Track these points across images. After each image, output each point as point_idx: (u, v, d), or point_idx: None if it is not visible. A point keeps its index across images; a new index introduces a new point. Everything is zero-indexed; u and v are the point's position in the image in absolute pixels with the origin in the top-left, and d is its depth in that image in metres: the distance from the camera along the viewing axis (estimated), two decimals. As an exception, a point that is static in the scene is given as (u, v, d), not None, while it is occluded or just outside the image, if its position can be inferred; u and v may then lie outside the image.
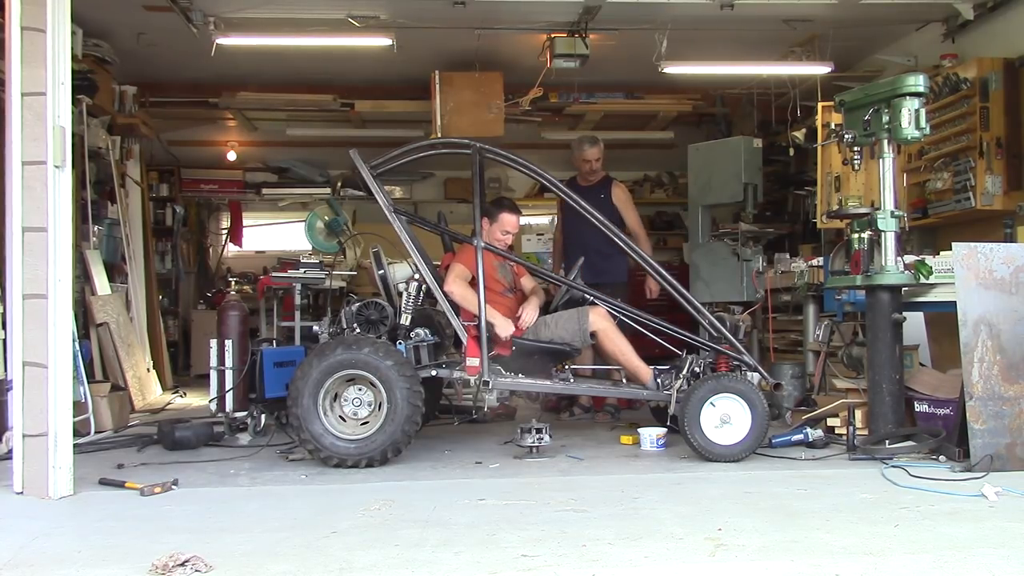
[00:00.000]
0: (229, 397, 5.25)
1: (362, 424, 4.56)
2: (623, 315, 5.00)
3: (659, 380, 4.89)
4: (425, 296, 4.86)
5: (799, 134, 8.07)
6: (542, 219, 10.70)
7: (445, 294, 4.77)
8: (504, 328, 4.80)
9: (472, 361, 4.66)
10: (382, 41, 6.91)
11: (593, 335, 4.96)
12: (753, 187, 6.93)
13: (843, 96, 4.96)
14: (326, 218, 7.71)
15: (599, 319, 4.96)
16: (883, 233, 4.66)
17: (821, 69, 7.46)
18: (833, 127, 5.24)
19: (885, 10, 6.74)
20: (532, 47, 7.47)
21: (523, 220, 5.96)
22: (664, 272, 4.95)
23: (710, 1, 6.35)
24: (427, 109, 7.80)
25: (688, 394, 4.59)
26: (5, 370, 4.54)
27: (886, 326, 4.65)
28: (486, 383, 4.63)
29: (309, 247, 7.77)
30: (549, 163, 7.45)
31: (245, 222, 11.13)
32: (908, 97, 4.54)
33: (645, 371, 4.95)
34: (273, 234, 11.26)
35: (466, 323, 4.73)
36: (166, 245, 10.19)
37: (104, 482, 4.10)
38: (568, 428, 5.82)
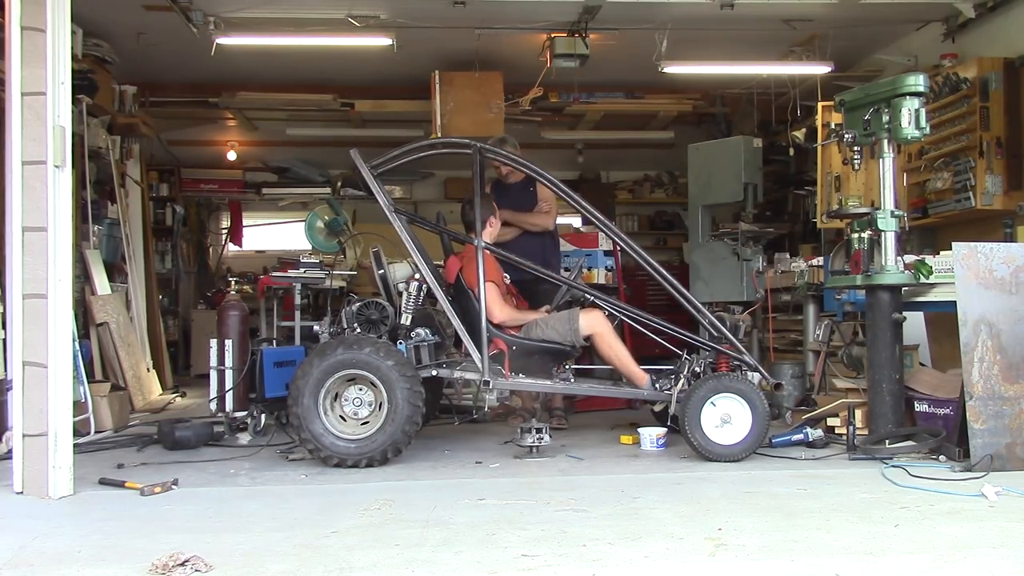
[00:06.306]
0: (229, 397, 5.25)
1: (362, 424, 4.56)
2: (623, 315, 4.99)
3: (656, 386, 4.87)
4: (426, 296, 4.86)
5: (799, 134, 8.08)
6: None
7: (497, 325, 4.81)
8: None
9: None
10: (382, 41, 6.91)
11: (587, 337, 4.93)
12: (753, 187, 6.93)
13: (843, 96, 4.96)
14: (326, 218, 7.69)
15: (596, 322, 4.92)
16: (883, 233, 4.65)
17: (821, 69, 7.46)
18: (833, 127, 5.23)
19: (885, 10, 6.74)
20: (532, 47, 7.47)
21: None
22: (663, 271, 4.94)
23: (710, 1, 6.35)
24: (427, 109, 7.80)
25: (689, 394, 4.58)
26: (5, 370, 4.54)
27: (886, 326, 4.65)
28: (486, 383, 4.63)
29: (309, 247, 7.76)
30: (549, 163, 7.47)
31: (245, 222, 11.15)
32: (908, 97, 4.54)
33: (641, 377, 4.91)
34: (273, 234, 11.27)
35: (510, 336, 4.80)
36: (166, 245, 10.19)
37: (104, 482, 4.10)
38: (568, 428, 5.82)
